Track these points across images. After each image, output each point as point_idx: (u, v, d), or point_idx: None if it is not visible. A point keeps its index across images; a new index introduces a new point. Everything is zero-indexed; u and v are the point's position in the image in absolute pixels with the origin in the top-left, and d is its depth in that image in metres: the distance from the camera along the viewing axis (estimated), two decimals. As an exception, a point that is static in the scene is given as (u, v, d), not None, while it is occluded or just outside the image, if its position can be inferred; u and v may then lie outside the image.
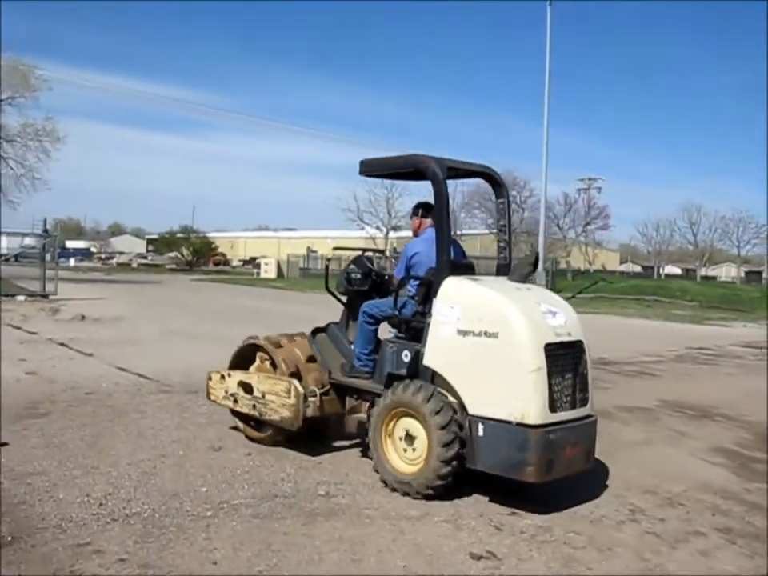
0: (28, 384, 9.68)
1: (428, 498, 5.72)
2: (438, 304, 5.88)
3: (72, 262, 63.70)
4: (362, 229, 67.04)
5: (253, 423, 7.26)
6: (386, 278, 7.05)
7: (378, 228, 64.11)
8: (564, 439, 5.52)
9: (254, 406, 6.90)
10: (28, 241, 46.58)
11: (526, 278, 6.20)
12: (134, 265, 68.89)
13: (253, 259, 79.11)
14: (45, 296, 23.62)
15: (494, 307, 5.64)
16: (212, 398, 7.50)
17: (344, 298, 7.27)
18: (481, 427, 5.56)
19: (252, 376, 7.04)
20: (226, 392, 7.23)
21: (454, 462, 5.63)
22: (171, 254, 69.47)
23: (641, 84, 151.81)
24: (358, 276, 6.94)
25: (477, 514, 5.53)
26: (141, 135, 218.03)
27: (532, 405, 5.37)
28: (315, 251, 68.52)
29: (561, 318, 5.77)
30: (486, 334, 5.56)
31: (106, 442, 7.00)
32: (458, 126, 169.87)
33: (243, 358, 7.43)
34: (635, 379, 12.61)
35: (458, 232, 62.64)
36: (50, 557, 4.43)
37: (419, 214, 6.70)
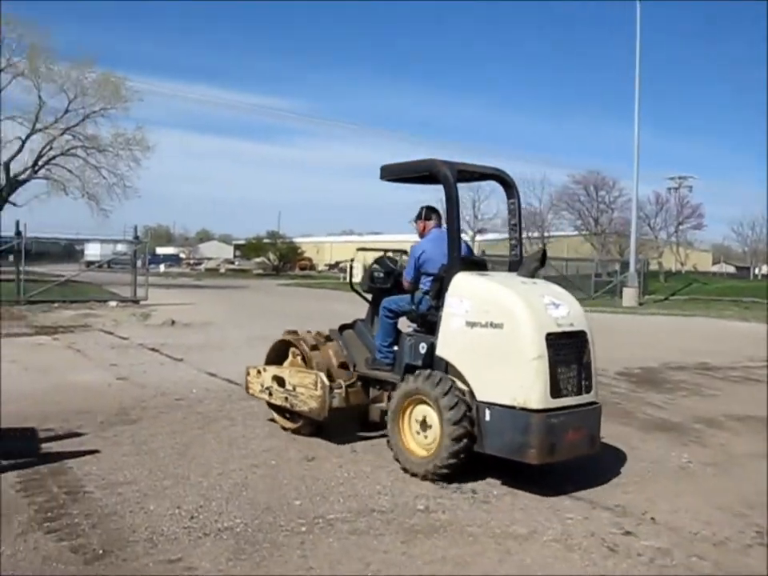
0: (119, 389, 9.69)
1: (441, 477, 6.06)
2: (449, 298, 6.26)
3: (162, 267, 65.18)
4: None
5: (287, 415, 7.64)
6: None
7: (462, 231, 63.51)
8: (566, 423, 5.78)
9: (287, 398, 7.32)
10: (120, 247, 47.86)
11: (533, 273, 6.53)
12: (222, 270, 70.05)
13: (338, 263, 79.53)
14: (136, 301, 24.03)
15: (500, 300, 6.00)
16: (250, 391, 7.95)
17: (369, 297, 7.66)
18: (487, 412, 5.88)
19: (284, 370, 7.47)
20: (262, 385, 7.70)
21: (463, 442, 5.92)
22: (258, 259, 70.36)
23: (734, 78, 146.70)
24: (381, 275, 7.35)
25: (588, 533, 5.15)
26: (227, 143, 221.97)
27: (533, 391, 5.67)
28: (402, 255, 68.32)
29: (563, 310, 6.05)
30: (492, 324, 5.90)
31: (197, 451, 6.85)
32: (544, 128, 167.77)
33: (278, 354, 7.86)
34: (742, 386, 11.92)
35: (545, 234, 61.73)
36: (142, 572, 4.26)
37: (423, 217, 7.12)
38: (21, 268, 23.21)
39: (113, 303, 23.43)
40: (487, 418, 5.88)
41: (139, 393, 9.47)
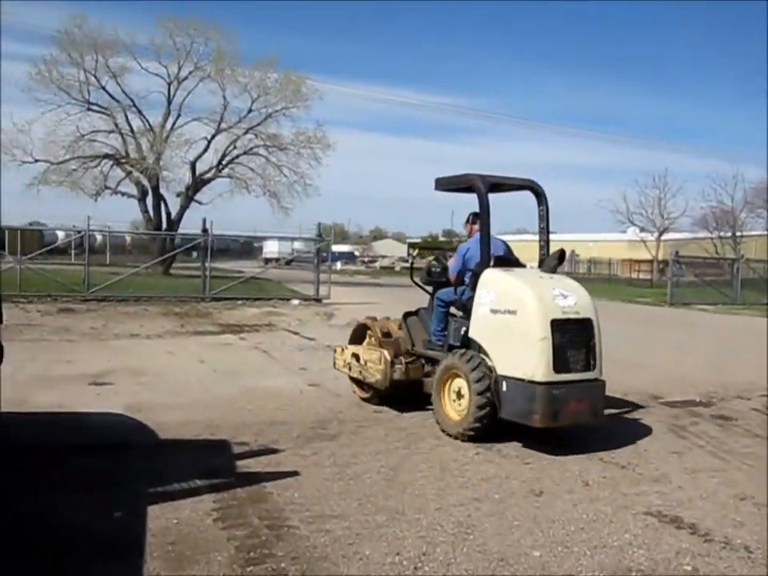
0: (312, 397, 9.08)
1: (469, 438, 7.13)
2: (479, 290, 7.42)
3: (338, 265, 65.94)
4: (624, 232, 63.62)
5: (364, 387, 8.85)
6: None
7: (645, 229, 60.30)
8: (568, 395, 6.81)
9: (360, 371, 8.63)
10: (298, 245, 48.67)
11: (554, 269, 7.67)
12: (397, 268, 70.06)
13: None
14: (318, 300, 23.81)
15: (515, 291, 7.16)
16: (336, 366, 9.25)
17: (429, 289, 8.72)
18: (504, 384, 6.96)
19: (360, 348, 8.81)
20: (345, 362, 9.01)
21: (487, 409, 7.01)
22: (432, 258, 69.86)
23: None
24: (438, 269, 8.38)
25: None
26: (403, 142, 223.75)
27: (539, 366, 6.74)
28: (578, 255, 65.89)
29: (571, 300, 7.09)
30: (508, 311, 7.08)
31: (407, 477, 6.03)
32: (738, 119, 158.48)
33: (359, 336, 9.20)
34: None
35: (738, 234, 57.50)
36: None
37: (470, 222, 8.31)
38: (207, 265, 23.44)
39: (295, 301, 23.30)
40: (504, 388, 6.97)
41: (334, 402, 8.84)
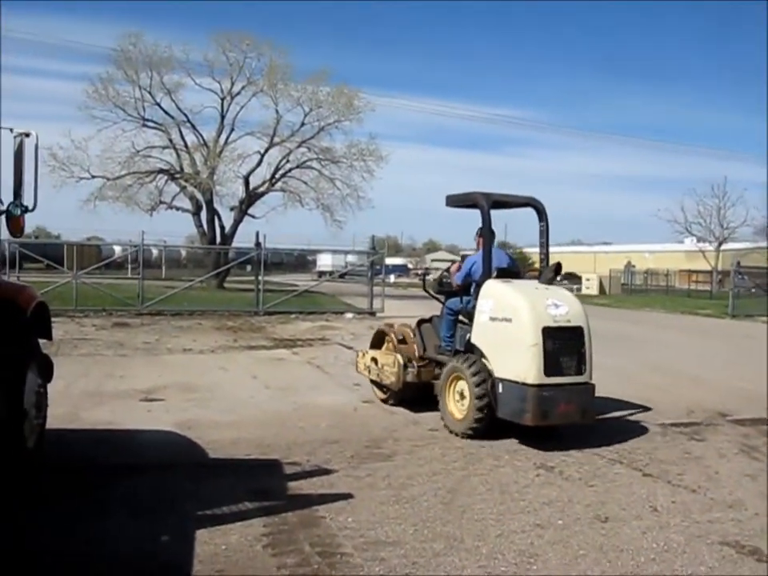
0: (366, 415, 8.89)
1: (469, 437, 7.70)
2: (480, 299, 8.03)
3: (392, 278, 65.78)
4: (682, 242, 62.41)
5: (384, 389, 9.46)
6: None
7: (703, 240, 59.07)
8: (558, 396, 7.35)
9: (378, 374, 9.32)
10: (351, 258, 48.63)
11: (551, 281, 8.21)
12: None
13: (570, 275, 76.92)
14: (372, 313, 23.65)
15: (510, 300, 7.74)
16: (358, 369, 9.98)
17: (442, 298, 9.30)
18: (501, 386, 7.57)
19: (377, 353, 9.52)
20: (365, 365, 9.69)
21: (485, 410, 7.61)
22: (487, 270, 69.41)
23: None
24: (448, 280, 9.02)
25: None
26: (452, 155, 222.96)
27: (530, 370, 7.30)
28: (634, 266, 64.82)
29: (563, 309, 7.62)
30: (505, 319, 7.67)
31: (465, 500, 5.77)
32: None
33: (378, 341, 9.87)
34: None
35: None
36: None
37: (479, 235, 8.60)
38: (260, 278, 23.44)
39: (349, 315, 23.18)
40: (500, 390, 7.58)
41: (389, 420, 8.62)
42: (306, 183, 38.35)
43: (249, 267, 51.53)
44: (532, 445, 7.52)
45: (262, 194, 38.45)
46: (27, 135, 5.16)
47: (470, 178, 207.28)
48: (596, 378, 7.69)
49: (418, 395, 8.96)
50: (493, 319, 7.80)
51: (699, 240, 59.43)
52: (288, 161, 37.98)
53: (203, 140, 37.24)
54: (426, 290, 9.89)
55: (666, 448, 7.73)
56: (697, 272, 60.17)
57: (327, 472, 6.33)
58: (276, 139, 37.38)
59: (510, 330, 7.59)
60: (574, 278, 64.89)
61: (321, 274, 60.08)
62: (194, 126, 37.08)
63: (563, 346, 7.49)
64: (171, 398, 9.40)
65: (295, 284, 35.87)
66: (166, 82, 36.12)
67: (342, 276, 38.50)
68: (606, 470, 6.76)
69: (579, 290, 54.98)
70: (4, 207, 5.24)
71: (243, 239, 38.58)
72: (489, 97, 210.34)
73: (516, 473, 6.59)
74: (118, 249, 47.32)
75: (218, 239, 37.28)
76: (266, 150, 37.65)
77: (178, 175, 36.85)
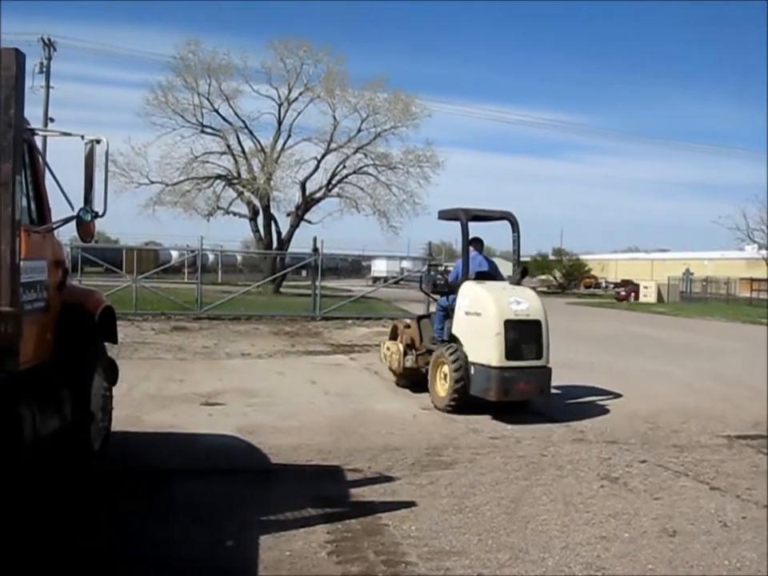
0: (426, 422, 8.87)
1: (450, 411, 9.24)
2: (459, 297, 9.70)
3: (447, 284, 65.45)
4: (743, 250, 61.03)
5: (397, 374, 11.12)
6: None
7: (765, 246, 57.60)
8: (517, 377, 8.95)
9: (389, 360, 11.15)
10: (406, 264, 48.64)
11: (518, 282, 9.96)
12: (505, 287, 69.16)
13: (627, 282, 75.81)
14: (427, 319, 23.55)
15: (480, 298, 9.40)
16: (381, 358, 11.64)
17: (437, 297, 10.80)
18: (473, 368, 9.16)
19: (390, 343, 11.30)
20: (383, 354, 11.41)
21: (461, 389, 9.16)
22: (542, 277, 68.81)
23: None
24: (441, 282, 10.56)
25: None
26: (509, 160, 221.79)
27: (493, 355, 8.93)
28: (692, 273, 63.53)
29: (524, 305, 9.23)
30: (476, 314, 9.35)
31: (528, 510, 5.71)
32: None
33: (394, 333, 11.47)
34: None
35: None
36: None
37: (469, 243, 10.22)
38: (317, 284, 23.56)
39: (406, 321, 23.13)
40: (472, 372, 9.17)
41: (449, 427, 8.59)
42: (362, 189, 38.49)
43: (304, 272, 51.94)
44: (594, 455, 7.42)
45: (319, 200, 38.67)
46: (98, 142, 5.23)
47: (526, 184, 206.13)
48: (657, 388, 7.57)
49: (418, 378, 10.48)
50: (467, 313, 9.49)
51: (761, 247, 58.04)
52: (345, 167, 38.15)
53: (260, 146, 37.60)
54: (422, 290, 11.83)
55: (732, 461, 7.57)
56: (759, 280, 58.78)
57: (389, 479, 6.33)
58: (333, 145, 37.57)
59: (479, 322, 9.25)
60: (629, 285, 64.11)
61: (375, 279, 60.22)
62: (251, 132, 37.49)
63: (523, 335, 9.11)
64: (231, 403, 9.48)
65: (350, 289, 35.97)
66: (224, 89, 36.59)
67: (397, 282, 38.46)
68: (671, 483, 6.64)
69: (637, 297, 54.19)
70: (75, 213, 5.31)
71: (299, 244, 38.94)
72: (546, 102, 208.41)
73: (579, 483, 6.50)
74: (175, 253, 48.05)
75: (275, 244, 37.59)
76: (323, 156, 37.86)
77: (235, 181, 37.27)
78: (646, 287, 54.91)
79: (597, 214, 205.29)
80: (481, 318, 9.22)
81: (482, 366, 9.01)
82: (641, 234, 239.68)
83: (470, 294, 9.57)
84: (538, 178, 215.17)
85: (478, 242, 10.58)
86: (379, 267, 64.61)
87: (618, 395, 11.07)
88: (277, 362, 13.77)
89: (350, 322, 22.49)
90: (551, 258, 67.31)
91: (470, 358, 9.23)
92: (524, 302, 9.28)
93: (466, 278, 9.83)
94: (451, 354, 9.38)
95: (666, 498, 6.22)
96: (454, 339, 9.65)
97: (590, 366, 14.22)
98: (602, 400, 10.71)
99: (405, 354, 10.69)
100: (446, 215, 10.67)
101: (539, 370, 9.15)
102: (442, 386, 9.56)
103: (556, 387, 10.98)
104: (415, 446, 7.56)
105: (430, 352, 10.26)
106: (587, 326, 25.03)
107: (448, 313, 10.08)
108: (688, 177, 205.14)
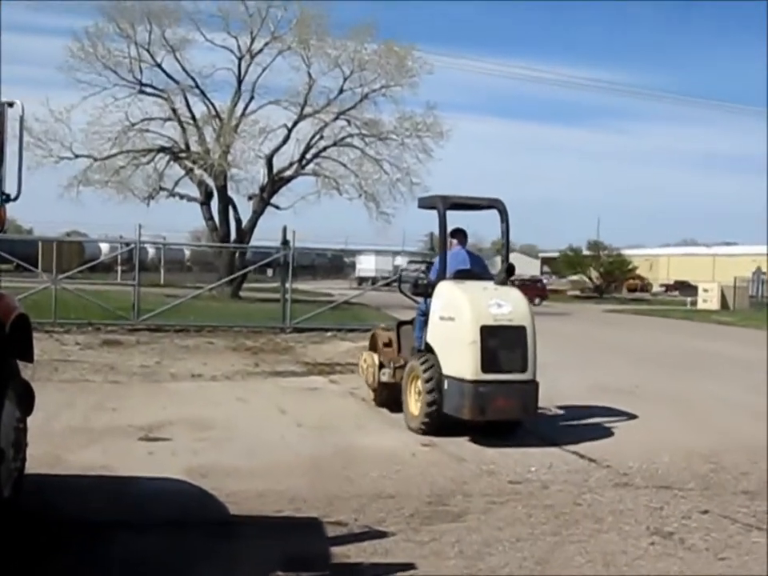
0: (427, 461, 8.92)
1: (423, 432, 9.88)
2: (434, 299, 10.33)
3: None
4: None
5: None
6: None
7: None
8: (495, 392, 9.39)
9: (365, 375, 11.91)
10: (401, 261, 48.65)
11: (503, 281, 10.39)
12: (527, 292, 69.40)
13: (682, 284, 76.19)
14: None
15: (454, 300, 9.97)
16: (359, 372, 12.41)
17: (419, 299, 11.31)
18: (446, 382, 9.67)
19: (365, 354, 12.07)
20: (360, 367, 12.21)
21: (434, 406, 9.73)
22: (574, 277, 69.21)
23: None
24: (424, 282, 11.09)
25: None
26: (533, 129, 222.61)
27: (467, 366, 9.42)
28: (764, 273, 63.81)
29: (505, 309, 9.67)
30: (449, 318, 9.91)
31: (556, 572, 5.73)
32: None
33: (372, 344, 12.16)
34: None
35: None
36: None
37: (451, 236, 10.99)
38: (287, 286, 23.57)
39: (384, 327, 23.20)
40: (446, 386, 9.66)
41: (456, 469, 8.62)
42: (344, 165, 38.63)
43: (270, 272, 52.00)
44: (643, 503, 7.46)
45: (289, 179, 38.77)
46: (10, 105, 5.19)
47: (553, 159, 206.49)
48: (721, 418, 7.61)
49: (398, 396, 10.82)
50: (441, 318, 10.05)
51: None
52: (322, 137, 38.27)
53: (215, 110, 37.65)
54: (401, 292, 12.32)
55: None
56: None
57: (381, 535, 6.35)
58: (308, 110, 37.62)
59: (453, 328, 9.81)
60: (686, 289, 64.29)
61: (362, 280, 60.39)
62: (203, 93, 37.56)
63: (504, 344, 9.59)
64: (179, 437, 9.49)
65: (329, 293, 36.06)
66: (169, 38, 36.65)
67: (389, 284, 38.53)
68: (740, 538, 6.68)
69: (694, 303, 54.41)
70: (-20, 197, 5.26)
71: (264, 236, 38.94)
72: (580, 55, 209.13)
73: (624, 540, 6.53)
74: (105, 247, 48.14)
75: (233, 236, 37.57)
76: (295, 124, 37.97)
77: (183, 155, 37.32)
78: (705, 290, 55.14)
79: (644, 198, 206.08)
80: (455, 323, 9.78)
81: (455, 379, 9.53)
82: (699, 224, 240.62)
83: (445, 295, 10.15)
84: (569, 151, 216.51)
85: (460, 234, 11.12)
86: (366, 265, 64.91)
87: (671, 427, 11.12)
88: (236, 385, 13.83)
89: (329, 334, 22.56)
90: (585, 253, 67.72)
91: (444, 371, 9.75)
92: (506, 305, 9.75)
93: (442, 276, 10.34)
94: (424, 365, 9.95)
95: (735, 558, 6.25)
96: (429, 349, 10.20)
97: (634, 389, 14.35)
98: (650, 433, 10.76)
99: (381, 366, 11.31)
100: (425, 203, 11.42)
101: (523, 385, 9.61)
102: (416, 405, 10.16)
103: (591, 415, 11.00)
104: (414, 493, 7.60)
105: None
106: (631, 340, 25.17)
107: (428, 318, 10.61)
108: (761, 151, 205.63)
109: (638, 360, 19.80)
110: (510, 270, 10.62)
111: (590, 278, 66.24)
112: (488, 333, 9.40)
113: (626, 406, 12.29)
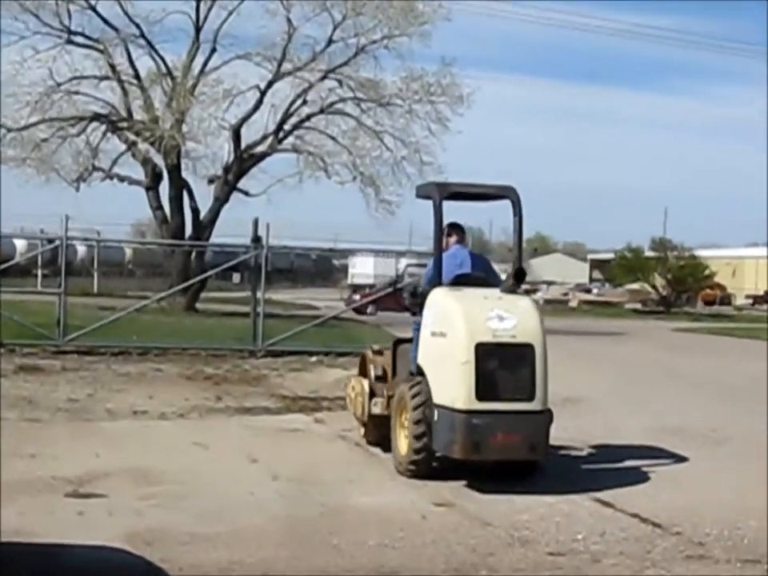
0: (442, 525, 8.95)
1: (411, 475, 10.22)
2: (425, 311, 10.62)
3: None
4: None
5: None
6: None
7: None
8: (493, 426, 9.63)
9: (353, 405, 12.24)
10: (407, 263, 48.61)
11: (510, 289, 10.67)
12: (574, 303, 69.65)
13: (761, 297, 76.23)
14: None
15: (446, 312, 10.34)
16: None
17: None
18: (436, 413, 9.85)
19: (354, 380, 12.41)
20: (347, 395, 12.75)
21: (423, 440, 9.95)
22: (634, 286, 69.30)
23: None
24: (420, 289, 11.29)
25: None
26: (575, 93, 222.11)
27: (459, 392, 9.68)
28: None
29: (509, 323, 9.90)
30: (441, 334, 10.22)
31: None
32: None
33: (362, 368, 12.53)
34: None
35: None
36: None
37: (446, 233, 11.37)
38: (259, 296, 23.57)
39: (376, 348, 23.26)
40: (435, 418, 9.84)
41: (481, 536, 8.64)
42: (334, 139, 38.57)
43: (237, 277, 52.03)
44: None
45: (262, 157, 38.75)
46: None
47: (603, 132, 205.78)
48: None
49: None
50: (433, 334, 10.40)
51: None
52: (305, 102, 38.13)
53: (166, 67, 37.48)
54: (404, 304, 13.22)
55: None
56: None
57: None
58: (286, 66, 37.48)
59: (444, 345, 10.18)
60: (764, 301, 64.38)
61: (356, 288, 60.38)
62: (150, 45, 37.40)
63: (505, 365, 9.97)
64: (117, 493, 9.53)
65: (313, 305, 36.10)
66: (107, -28, 36.47)
67: (393, 292, 38.65)
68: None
69: None
70: None
71: (229, 230, 38.93)
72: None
73: (699, 630, 6.55)
74: (21, 244, 48.22)
75: (189, 230, 37.50)
76: (270, 84, 37.86)
77: (123, 124, 37.25)
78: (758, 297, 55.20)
79: (723, 185, 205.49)
80: (446, 339, 10.12)
81: (446, 408, 9.78)
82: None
83: (437, 306, 10.50)
84: (629, 121, 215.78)
85: (457, 230, 11.70)
86: (362, 269, 65.10)
87: (760, 483, 11.12)
88: (193, 425, 13.90)
89: (313, 359, 22.64)
90: (648, 254, 67.77)
91: (434, 398, 9.97)
92: (510, 317, 9.98)
93: (437, 283, 10.68)
94: (411, 391, 10.30)
95: None
96: (420, 372, 10.50)
97: (710, 433, 14.43)
98: (731, 491, 10.75)
99: (372, 395, 11.55)
100: (423, 192, 11.98)
101: (529, 417, 9.88)
102: (404, 440, 10.45)
103: (654, 466, 11.01)
104: (426, 567, 7.66)
105: None
106: (706, 368, 25.20)
107: None
108: None
109: (716, 395, 19.82)
110: (518, 274, 10.84)
111: (655, 287, 66.32)
112: (485, 352, 9.67)
113: (700, 454, 12.40)
